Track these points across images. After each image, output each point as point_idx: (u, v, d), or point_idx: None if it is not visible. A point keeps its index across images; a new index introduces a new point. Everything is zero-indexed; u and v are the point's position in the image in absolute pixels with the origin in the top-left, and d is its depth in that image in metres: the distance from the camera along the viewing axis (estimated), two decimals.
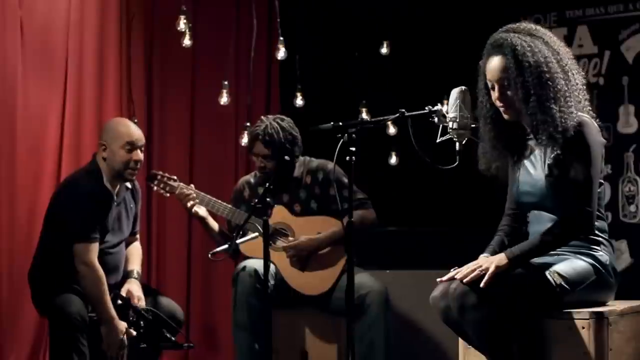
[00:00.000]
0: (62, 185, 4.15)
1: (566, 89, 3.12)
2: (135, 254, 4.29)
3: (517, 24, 3.25)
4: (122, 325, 3.93)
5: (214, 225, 4.46)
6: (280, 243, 4.38)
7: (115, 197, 4.08)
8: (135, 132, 4.11)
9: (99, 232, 3.99)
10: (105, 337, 3.91)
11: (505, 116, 3.21)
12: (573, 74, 3.17)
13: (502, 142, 3.28)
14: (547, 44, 3.15)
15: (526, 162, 3.25)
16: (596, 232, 3.20)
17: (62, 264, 3.95)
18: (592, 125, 3.15)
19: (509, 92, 3.16)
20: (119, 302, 3.98)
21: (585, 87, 3.23)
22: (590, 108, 3.22)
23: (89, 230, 3.94)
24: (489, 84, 3.21)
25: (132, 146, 4.06)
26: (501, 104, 3.19)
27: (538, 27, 3.22)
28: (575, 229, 3.14)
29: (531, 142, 3.25)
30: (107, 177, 4.05)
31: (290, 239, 4.36)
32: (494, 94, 3.20)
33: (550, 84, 3.10)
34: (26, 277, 4.18)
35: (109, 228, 4.06)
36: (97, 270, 3.92)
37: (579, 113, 3.15)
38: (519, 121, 3.23)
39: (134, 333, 3.92)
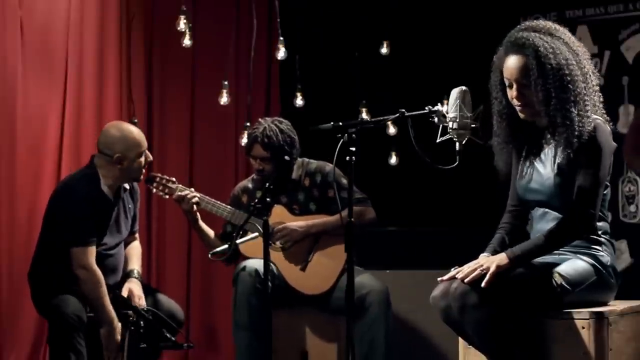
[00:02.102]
0: (58, 188, 4.13)
1: (585, 92, 3.12)
2: (134, 254, 4.27)
3: (537, 22, 3.22)
4: (120, 327, 3.94)
5: (207, 229, 4.46)
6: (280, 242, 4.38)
7: (112, 201, 4.07)
8: (142, 136, 4.11)
9: (96, 235, 3.98)
10: (105, 339, 3.91)
11: (521, 115, 3.21)
12: (590, 76, 3.17)
13: (516, 138, 3.28)
14: (567, 45, 3.15)
15: (535, 160, 3.25)
16: (598, 232, 3.20)
17: (60, 265, 3.94)
18: (606, 129, 3.15)
19: (527, 93, 3.15)
20: (120, 301, 3.98)
21: (599, 88, 3.23)
22: (604, 111, 3.22)
23: (85, 234, 3.92)
24: (506, 82, 3.20)
25: (144, 151, 4.09)
26: (518, 103, 3.19)
27: (558, 27, 3.21)
28: (576, 230, 3.14)
29: (542, 140, 3.25)
30: (106, 182, 4.03)
31: (280, 227, 4.36)
32: (511, 93, 3.19)
33: (571, 87, 3.09)
34: (26, 277, 4.17)
35: (107, 231, 4.06)
36: (96, 274, 3.91)
37: (594, 116, 3.15)
38: (533, 120, 3.23)
39: (126, 338, 3.93)
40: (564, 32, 3.20)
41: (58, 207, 4.01)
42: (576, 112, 3.09)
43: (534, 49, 3.11)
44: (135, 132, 4.09)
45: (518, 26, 3.24)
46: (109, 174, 4.02)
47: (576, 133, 3.08)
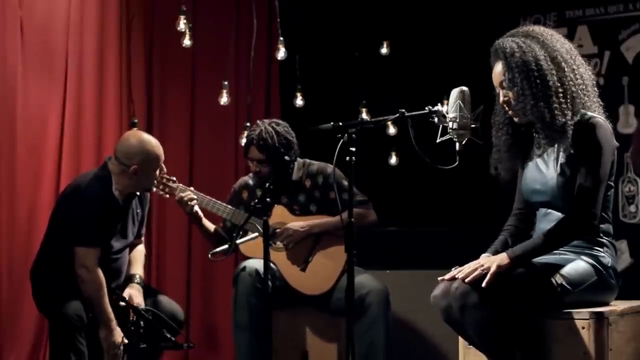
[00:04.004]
0: (70, 187, 4.11)
1: (559, 84, 3.12)
2: (138, 258, 4.27)
3: (519, 27, 3.28)
4: (119, 330, 3.94)
5: (210, 226, 4.47)
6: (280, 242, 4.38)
7: (122, 206, 4.06)
8: (161, 149, 4.07)
9: (102, 239, 3.98)
10: (104, 341, 3.91)
11: (516, 119, 3.23)
12: (573, 71, 3.16)
13: (515, 145, 3.30)
14: (542, 43, 3.17)
15: (538, 161, 3.26)
16: (600, 234, 3.20)
17: (63, 264, 3.94)
18: (606, 128, 3.15)
19: (508, 95, 3.20)
20: (122, 303, 3.98)
21: (594, 85, 3.23)
22: (604, 106, 3.22)
23: (91, 235, 3.92)
24: (496, 90, 3.25)
25: (161, 167, 4.08)
26: (506, 108, 3.23)
27: (536, 28, 3.24)
28: (577, 229, 3.14)
29: (544, 141, 3.26)
30: (118, 187, 4.01)
31: (278, 230, 4.35)
32: (500, 99, 3.23)
33: (539, 82, 3.11)
34: (26, 277, 4.18)
35: (114, 235, 4.06)
36: (97, 275, 3.91)
37: (591, 114, 3.15)
38: (530, 122, 3.24)
39: (125, 341, 3.93)
40: (542, 32, 3.22)
41: (68, 206, 4.00)
42: (548, 105, 3.10)
43: (502, 51, 3.18)
44: (155, 145, 4.06)
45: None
46: (122, 181, 4.01)
47: (555, 127, 3.09)
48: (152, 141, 4.07)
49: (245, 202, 4.47)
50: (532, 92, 3.12)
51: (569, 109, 3.11)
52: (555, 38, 3.22)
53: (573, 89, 3.15)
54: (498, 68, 3.22)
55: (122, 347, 3.93)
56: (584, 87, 3.19)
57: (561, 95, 3.12)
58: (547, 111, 3.10)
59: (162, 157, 4.08)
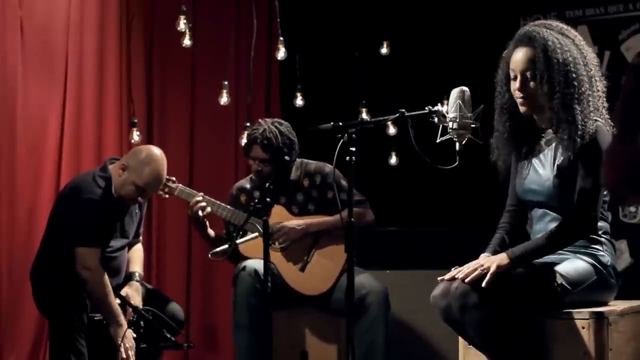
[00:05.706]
0: (69, 188, 4.10)
1: (589, 93, 3.13)
2: (137, 257, 4.27)
3: (550, 20, 3.27)
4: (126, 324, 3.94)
5: (212, 232, 4.46)
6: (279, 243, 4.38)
7: (121, 206, 4.06)
8: (154, 181, 4.02)
9: (102, 238, 3.98)
10: (115, 337, 3.91)
11: (522, 108, 3.21)
12: (595, 81, 3.18)
13: (515, 134, 3.29)
14: (576, 46, 3.18)
15: (534, 160, 3.26)
16: (598, 232, 3.20)
17: (63, 264, 3.94)
18: (606, 132, 3.14)
19: (531, 85, 3.16)
20: (117, 301, 3.98)
21: (605, 94, 3.23)
22: (609, 116, 3.21)
23: (92, 235, 3.92)
24: (511, 74, 3.21)
25: (141, 192, 4.03)
26: (520, 95, 3.19)
27: (570, 28, 3.24)
28: (577, 232, 3.14)
29: (542, 141, 3.25)
30: (117, 190, 4.01)
31: (277, 226, 4.34)
32: (515, 85, 3.20)
33: (576, 84, 3.11)
34: (26, 277, 4.18)
35: (113, 234, 4.06)
36: (100, 274, 3.91)
37: (597, 119, 3.15)
38: (533, 117, 3.23)
39: (133, 334, 3.92)
40: (575, 34, 3.24)
41: (68, 206, 4.00)
42: (580, 109, 3.10)
43: (543, 42, 3.14)
44: (164, 170, 4.05)
45: (531, 22, 3.27)
46: (122, 188, 4.00)
47: (579, 131, 3.09)
48: (163, 165, 4.04)
49: (244, 206, 4.46)
50: (566, 93, 3.10)
51: (591, 117, 3.12)
52: (583, 44, 3.22)
53: (598, 101, 3.16)
54: (526, 54, 3.16)
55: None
56: (601, 96, 3.20)
57: (590, 102, 3.12)
58: (579, 115, 3.09)
59: (147, 186, 4.03)
